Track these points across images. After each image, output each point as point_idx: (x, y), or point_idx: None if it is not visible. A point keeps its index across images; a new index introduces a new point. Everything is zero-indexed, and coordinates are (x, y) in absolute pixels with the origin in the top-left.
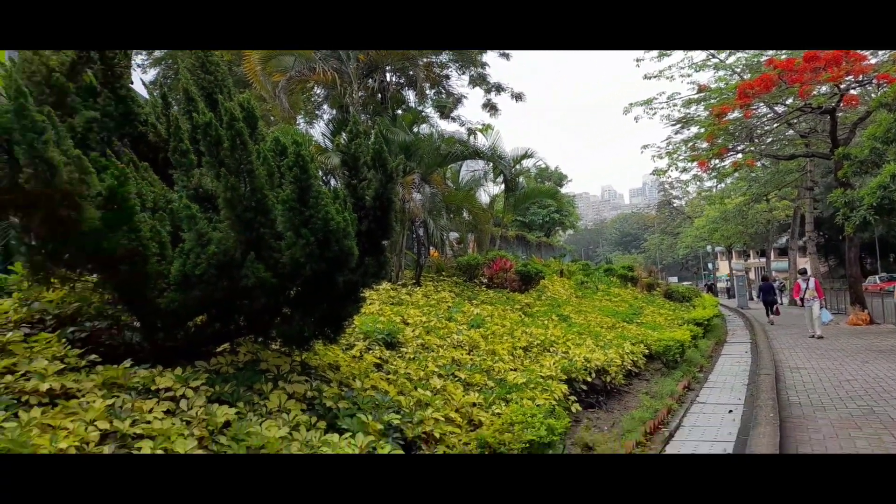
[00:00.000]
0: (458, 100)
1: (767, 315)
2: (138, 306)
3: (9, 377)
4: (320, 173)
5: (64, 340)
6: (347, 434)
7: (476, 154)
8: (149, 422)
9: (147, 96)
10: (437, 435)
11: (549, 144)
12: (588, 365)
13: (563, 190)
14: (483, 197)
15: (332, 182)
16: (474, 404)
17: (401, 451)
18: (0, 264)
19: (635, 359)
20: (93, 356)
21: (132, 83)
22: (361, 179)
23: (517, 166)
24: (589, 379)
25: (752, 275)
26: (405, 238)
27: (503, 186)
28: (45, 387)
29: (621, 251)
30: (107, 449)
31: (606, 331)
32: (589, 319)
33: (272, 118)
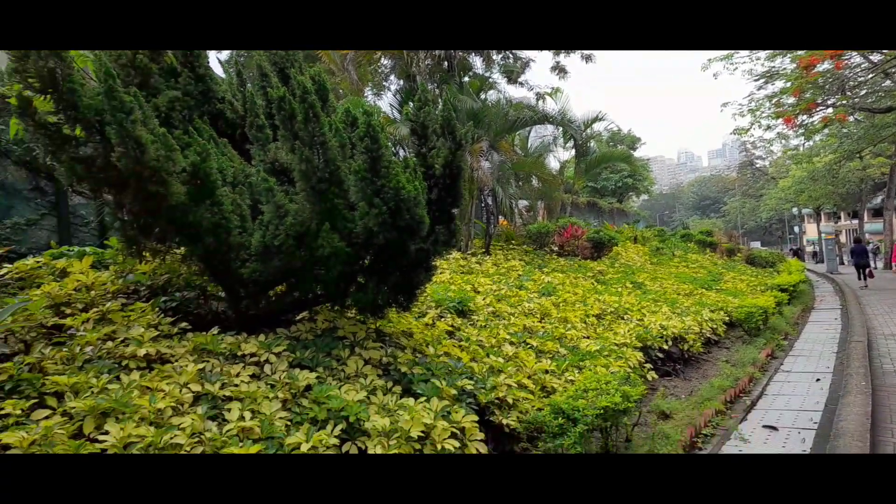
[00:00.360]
0: (526, 64)
1: (859, 279)
2: (223, 276)
3: (110, 343)
4: (390, 144)
5: (157, 309)
6: (423, 399)
7: (545, 119)
8: (236, 385)
9: (223, 74)
10: (510, 401)
11: (621, 107)
12: (664, 332)
13: (637, 153)
14: (553, 163)
15: (401, 152)
16: (547, 371)
17: (475, 416)
18: (97, 239)
19: (714, 326)
20: (183, 324)
21: (209, 62)
22: (430, 148)
23: (588, 130)
24: (665, 347)
25: (842, 237)
26: (474, 207)
27: (573, 152)
28: (142, 352)
29: (699, 216)
30: (200, 409)
31: (683, 298)
32: (665, 286)
33: (340, 91)
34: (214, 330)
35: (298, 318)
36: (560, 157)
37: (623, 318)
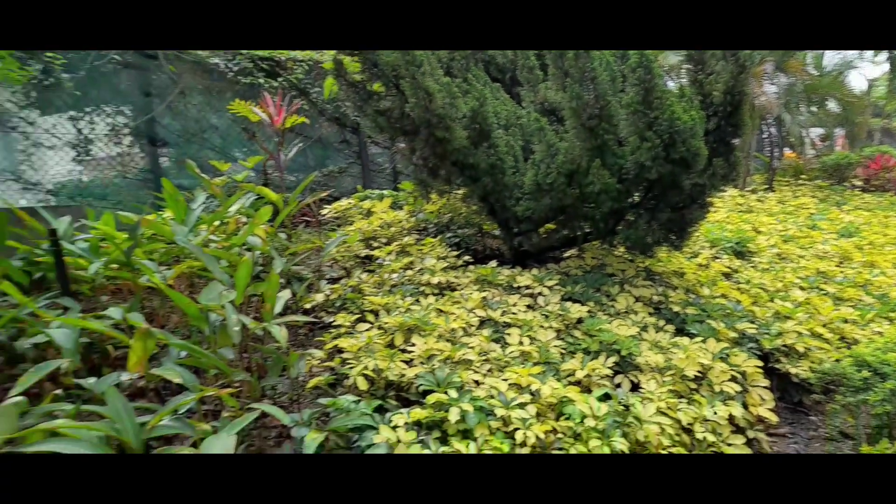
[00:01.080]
0: None
1: None
2: (498, 214)
3: (410, 272)
4: (662, 73)
5: (444, 244)
6: (698, 339)
7: None
8: (514, 313)
9: None
10: (801, 349)
11: None
12: None
13: None
14: (856, 82)
15: (669, 83)
16: (846, 321)
17: (757, 362)
18: (391, 184)
19: None
20: (466, 257)
21: None
22: (708, 73)
23: None
24: None
25: None
26: (755, 138)
27: (887, 66)
28: (435, 280)
29: None
30: (486, 331)
31: None
32: None
33: None
34: (493, 263)
35: (567, 254)
36: (866, 73)
37: None
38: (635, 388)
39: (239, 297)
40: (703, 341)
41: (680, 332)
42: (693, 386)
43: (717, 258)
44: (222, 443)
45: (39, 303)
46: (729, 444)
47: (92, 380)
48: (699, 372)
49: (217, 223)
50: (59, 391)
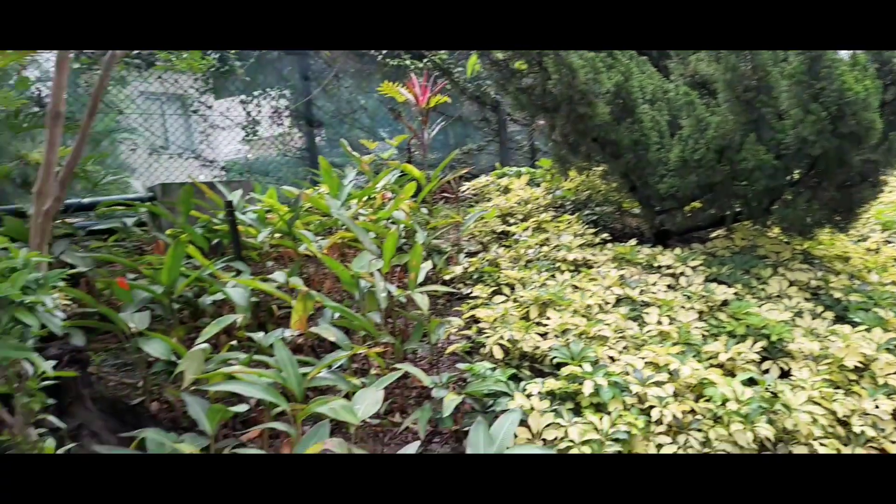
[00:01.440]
0: None
1: None
2: (640, 191)
3: (545, 248)
4: None
5: (581, 221)
6: (861, 328)
7: None
8: (653, 293)
9: None
10: None
11: None
12: None
13: None
14: None
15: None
16: None
17: None
18: (528, 161)
19: None
20: (604, 235)
21: None
22: None
23: None
24: None
25: None
26: None
27: None
28: (571, 257)
29: None
30: (622, 309)
31: None
32: None
33: None
34: (632, 242)
35: (713, 234)
36: None
37: None
38: (785, 375)
39: (385, 266)
40: (868, 330)
41: (840, 319)
42: (852, 377)
43: (890, 242)
44: (372, 395)
45: (217, 265)
46: (892, 441)
47: (260, 334)
48: (860, 363)
49: (366, 198)
50: (233, 342)
